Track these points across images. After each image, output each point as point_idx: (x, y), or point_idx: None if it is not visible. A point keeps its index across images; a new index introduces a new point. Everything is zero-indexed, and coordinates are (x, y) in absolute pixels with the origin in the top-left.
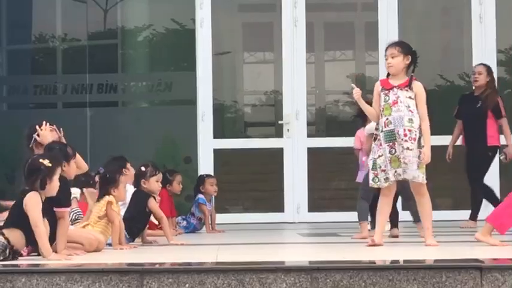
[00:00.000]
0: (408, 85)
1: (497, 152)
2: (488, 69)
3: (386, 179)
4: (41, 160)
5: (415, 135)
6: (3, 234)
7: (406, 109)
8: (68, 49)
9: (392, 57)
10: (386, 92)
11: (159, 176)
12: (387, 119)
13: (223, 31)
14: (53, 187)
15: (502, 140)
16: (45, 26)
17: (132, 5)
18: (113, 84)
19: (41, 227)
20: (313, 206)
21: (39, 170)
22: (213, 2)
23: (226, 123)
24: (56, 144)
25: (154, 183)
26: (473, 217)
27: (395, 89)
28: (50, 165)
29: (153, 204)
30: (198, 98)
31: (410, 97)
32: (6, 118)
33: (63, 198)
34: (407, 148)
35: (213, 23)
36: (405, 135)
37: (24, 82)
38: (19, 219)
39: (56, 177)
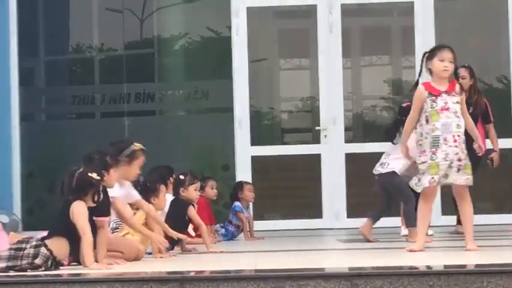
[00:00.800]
0: (456, 90)
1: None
2: (471, 71)
3: (430, 182)
4: (89, 174)
5: (463, 140)
6: (45, 246)
7: (453, 115)
8: (104, 59)
9: (450, 62)
10: (434, 98)
11: (198, 184)
12: (434, 125)
13: (259, 38)
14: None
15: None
16: (82, 36)
17: (168, 13)
18: (150, 93)
19: (88, 235)
20: (352, 212)
21: (91, 184)
22: (248, 9)
23: (263, 130)
24: (95, 154)
25: (193, 192)
26: None
27: (443, 95)
28: (98, 178)
29: (193, 212)
30: (234, 105)
31: (457, 102)
32: (45, 129)
33: (103, 208)
34: (456, 154)
35: (248, 30)
36: (454, 140)
37: (63, 93)
38: (64, 229)
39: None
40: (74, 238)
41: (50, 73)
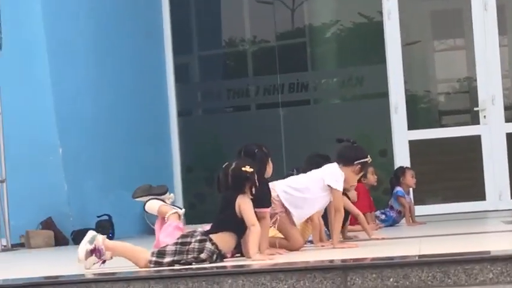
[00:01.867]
0: None
1: None
2: None
3: None
4: (243, 169)
5: None
6: (210, 240)
7: None
8: (257, 51)
9: None
10: None
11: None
12: None
13: (411, 21)
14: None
15: None
16: (234, 30)
17: (318, 2)
18: (303, 83)
19: (257, 226)
20: None
21: (246, 179)
22: None
23: (419, 113)
24: (253, 147)
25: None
26: None
27: None
28: (251, 170)
29: (347, 201)
30: (389, 90)
31: None
32: (202, 123)
33: (264, 199)
34: None
35: (400, 14)
36: None
37: (218, 87)
38: (232, 223)
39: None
40: (241, 232)
41: (204, 68)
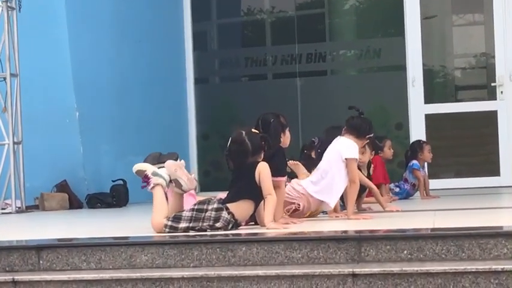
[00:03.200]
0: None
1: None
2: None
3: None
4: (253, 130)
5: None
6: (227, 209)
7: None
8: (275, 21)
9: None
10: None
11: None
12: None
13: None
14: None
15: None
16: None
17: None
18: (321, 53)
19: (274, 194)
20: None
21: (260, 147)
22: None
23: (436, 87)
24: (270, 116)
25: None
26: None
27: None
28: (265, 136)
29: (361, 174)
30: (407, 63)
31: None
32: (218, 91)
33: (279, 168)
34: None
35: None
36: None
37: (235, 55)
38: (251, 192)
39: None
40: (258, 200)
41: (222, 36)
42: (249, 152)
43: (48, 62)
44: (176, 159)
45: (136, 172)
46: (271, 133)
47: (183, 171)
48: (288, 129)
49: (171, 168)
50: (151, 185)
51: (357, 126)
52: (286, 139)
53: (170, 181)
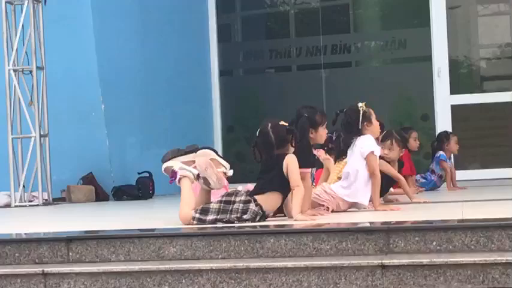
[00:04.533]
0: None
1: None
2: None
3: None
4: (281, 123)
5: None
6: (255, 201)
7: None
8: (299, 12)
9: None
10: None
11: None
12: None
13: None
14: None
15: None
16: None
17: None
18: (346, 45)
19: (302, 187)
20: None
21: (285, 139)
22: None
23: (462, 78)
24: (304, 110)
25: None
26: None
27: None
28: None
29: (388, 166)
30: (433, 54)
31: None
32: (243, 83)
33: (306, 159)
34: None
35: None
36: None
37: (260, 47)
38: (280, 183)
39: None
40: (286, 192)
41: (247, 28)
42: (273, 144)
43: (74, 55)
44: (195, 150)
45: (164, 170)
46: (298, 128)
47: (214, 170)
48: (323, 126)
49: (202, 166)
50: (178, 177)
51: (349, 121)
52: (318, 136)
53: (198, 176)
